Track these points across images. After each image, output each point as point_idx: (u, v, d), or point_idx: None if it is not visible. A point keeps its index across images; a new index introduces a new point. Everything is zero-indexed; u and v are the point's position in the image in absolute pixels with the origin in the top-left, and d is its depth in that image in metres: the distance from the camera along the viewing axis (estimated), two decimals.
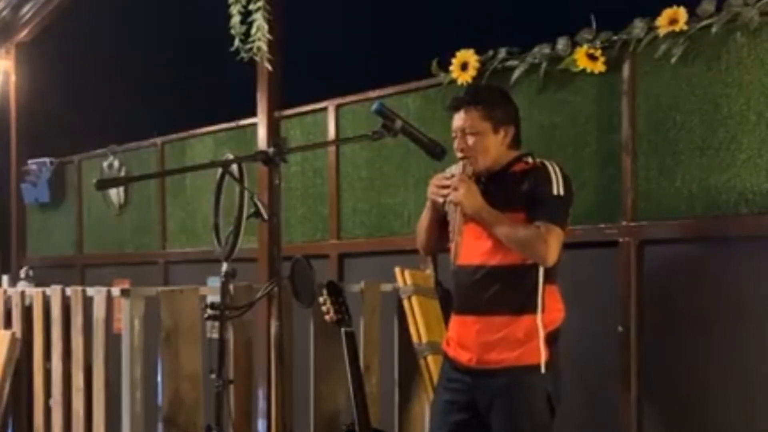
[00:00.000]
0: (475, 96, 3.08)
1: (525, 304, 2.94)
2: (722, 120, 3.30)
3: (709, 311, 3.32)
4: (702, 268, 3.38)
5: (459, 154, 3.04)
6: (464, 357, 3.03)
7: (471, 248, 3.00)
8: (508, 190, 2.98)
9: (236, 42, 4.79)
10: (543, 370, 2.92)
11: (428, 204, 3.14)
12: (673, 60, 3.38)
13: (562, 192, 2.93)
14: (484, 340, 2.97)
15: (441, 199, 3.04)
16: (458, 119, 3.04)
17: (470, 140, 3.00)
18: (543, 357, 2.92)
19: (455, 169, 3.05)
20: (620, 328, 3.52)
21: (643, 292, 3.50)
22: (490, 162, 3.02)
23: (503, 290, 2.95)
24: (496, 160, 3.03)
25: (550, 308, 2.96)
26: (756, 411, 3.18)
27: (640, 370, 3.49)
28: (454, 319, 3.11)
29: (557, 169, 2.96)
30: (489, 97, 3.09)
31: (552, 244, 2.87)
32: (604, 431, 3.59)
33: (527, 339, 2.93)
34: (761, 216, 3.18)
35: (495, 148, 3.02)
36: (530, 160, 3.04)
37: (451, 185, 2.98)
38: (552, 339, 2.96)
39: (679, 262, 3.46)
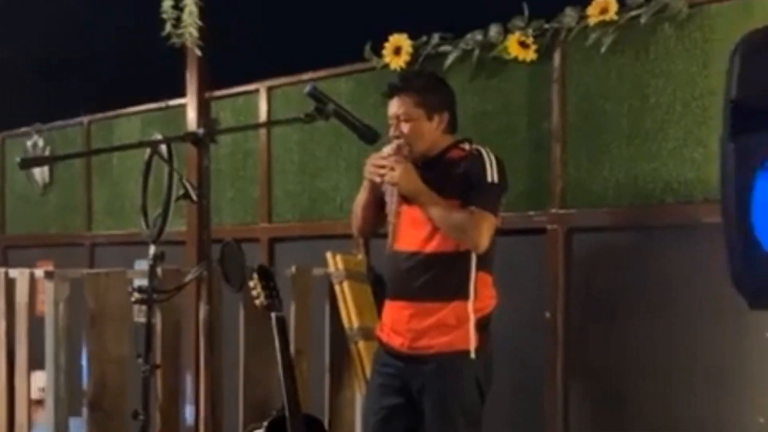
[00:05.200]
0: (408, 82, 3.09)
1: (457, 291, 2.97)
2: (649, 110, 3.35)
3: (634, 298, 3.39)
4: (628, 255, 3.44)
5: (395, 141, 3.04)
6: (397, 342, 3.05)
7: (408, 234, 3.01)
8: (443, 177, 3.00)
9: (168, 27, 4.71)
10: (473, 355, 2.95)
11: (364, 184, 3.14)
12: (603, 49, 3.42)
13: (496, 179, 2.96)
14: (416, 325, 2.99)
15: (378, 179, 3.04)
16: (392, 106, 3.05)
17: (405, 127, 3.01)
18: (473, 343, 2.95)
19: (389, 149, 3.04)
20: (547, 314, 3.57)
21: (571, 279, 3.55)
22: (425, 148, 3.04)
23: (436, 277, 2.97)
24: (431, 146, 3.05)
25: (482, 296, 2.99)
26: (676, 396, 3.25)
27: (566, 355, 3.54)
28: (388, 305, 3.13)
29: (492, 156, 2.99)
30: (422, 84, 3.10)
31: (484, 230, 2.90)
32: (531, 415, 3.64)
33: (458, 325, 2.96)
34: (686, 205, 3.24)
35: (430, 134, 3.03)
36: (466, 146, 3.06)
37: (388, 165, 2.98)
38: (482, 325, 2.99)
39: (606, 249, 3.52)
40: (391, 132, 3.06)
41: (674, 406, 3.25)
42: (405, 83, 3.09)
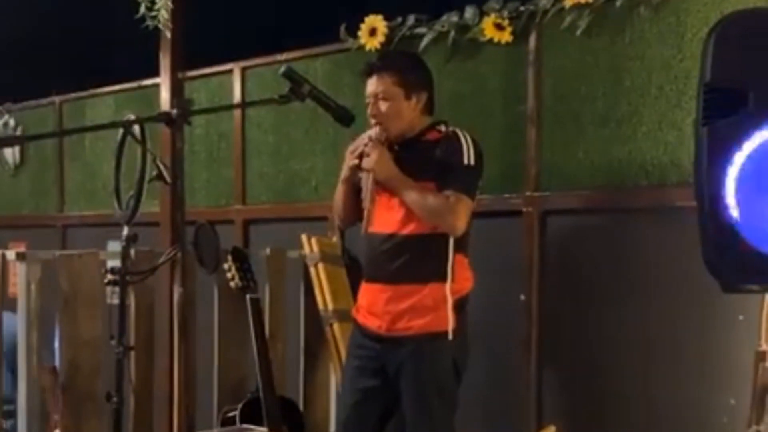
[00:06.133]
0: (387, 61, 3.09)
1: (435, 273, 2.97)
2: (624, 93, 3.36)
3: (607, 280, 3.41)
4: (602, 238, 3.45)
5: (372, 120, 3.04)
6: (374, 324, 3.05)
7: (383, 217, 3.01)
8: (420, 159, 3.00)
9: (142, 9, 4.65)
10: (450, 337, 2.97)
11: (342, 177, 3.15)
12: (579, 32, 3.42)
13: (472, 162, 2.97)
14: (393, 308, 3.00)
15: (357, 161, 3.02)
16: (371, 84, 3.04)
17: (383, 106, 3.00)
18: (450, 324, 2.96)
19: (372, 133, 3.04)
20: (522, 297, 3.58)
21: (545, 262, 3.56)
22: (403, 128, 3.03)
23: (414, 259, 2.98)
24: (409, 126, 3.05)
25: (459, 277, 3.00)
26: (649, 378, 3.28)
27: (541, 337, 3.56)
28: (364, 287, 3.13)
29: (469, 139, 2.99)
30: (401, 63, 3.09)
31: (461, 213, 2.91)
32: (505, 397, 3.66)
33: (436, 306, 2.96)
34: (660, 188, 3.26)
35: (408, 113, 3.03)
36: (443, 128, 3.06)
37: (364, 152, 2.98)
38: (459, 306, 3.00)
39: (580, 232, 3.54)
40: (369, 111, 3.05)
41: (647, 388, 3.28)
42: (384, 62, 3.08)
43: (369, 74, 3.06)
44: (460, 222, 2.92)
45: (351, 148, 3.08)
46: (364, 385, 3.07)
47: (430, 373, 2.98)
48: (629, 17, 3.33)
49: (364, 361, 3.09)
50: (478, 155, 2.99)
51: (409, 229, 2.98)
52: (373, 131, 3.04)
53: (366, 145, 3.01)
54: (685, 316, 3.18)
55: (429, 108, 3.10)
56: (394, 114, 3.01)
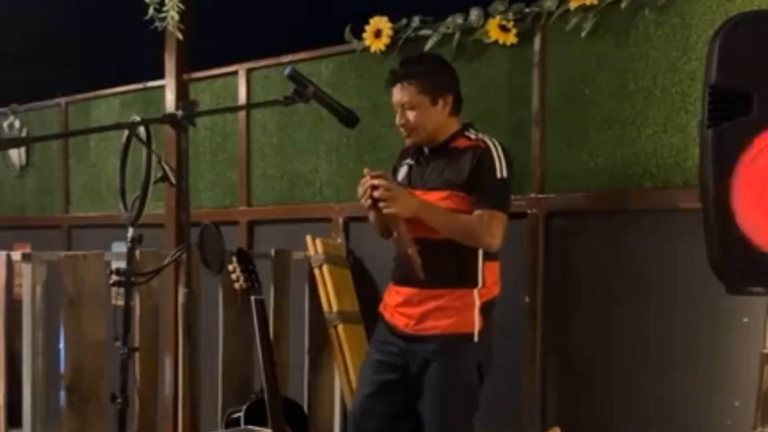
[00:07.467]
0: (409, 69, 3.08)
1: (464, 279, 3.00)
2: (629, 95, 3.36)
3: (612, 282, 3.40)
4: (606, 240, 3.45)
5: (402, 130, 3.07)
6: (401, 322, 3.08)
7: (414, 222, 3.02)
8: (449, 168, 3.02)
9: (150, 11, 4.66)
10: (476, 339, 2.98)
11: None
12: (584, 34, 3.42)
13: (505, 174, 2.98)
14: (420, 308, 3.03)
15: (369, 201, 2.91)
16: (396, 94, 3.06)
17: (410, 115, 3.02)
18: (477, 326, 2.98)
19: (367, 173, 2.95)
20: (527, 298, 3.58)
21: (550, 264, 3.56)
22: (432, 131, 3.05)
23: (444, 264, 2.99)
24: (438, 130, 3.07)
25: (488, 282, 3.03)
26: (653, 380, 3.28)
27: (545, 339, 3.56)
28: (393, 288, 3.15)
29: (500, 149, 3.00)
30: (423, 70, 3.08)
31: (496, 232, 2.93)
32: (509, 399, 3.65)
33: (463, 308, 2.99)
34: (664, 190, 3.25)
35: (436, 118, 3.05)
36: (472, 135, 3.07)
37: (379, 195, 2.90)
38: (486, 309, 3.03)
39: (585, 234, 3.53)
40: (397, 120, 3.08)
41: (652, 390, 3.27)
42: (407, 70, 3.07)
43: (392, 84, 3.06)
44: (496, 240, 2.94)
45: (360, 191, 2.95)
46: (383, 378, 3.10)
47: (454, 372, 3.00)
48: (634, 19, 3.33)
49: (387, 356, 3.11)
50: (510, 164, 3.00)
51: (438, 234, 2.98)
52: (366, 173, 2.93)
53: (381, 189, 2.89)
54: (690, 318, 3.18)
55: (457, 108, 3.11)
56: (422, 122, 3.03)
